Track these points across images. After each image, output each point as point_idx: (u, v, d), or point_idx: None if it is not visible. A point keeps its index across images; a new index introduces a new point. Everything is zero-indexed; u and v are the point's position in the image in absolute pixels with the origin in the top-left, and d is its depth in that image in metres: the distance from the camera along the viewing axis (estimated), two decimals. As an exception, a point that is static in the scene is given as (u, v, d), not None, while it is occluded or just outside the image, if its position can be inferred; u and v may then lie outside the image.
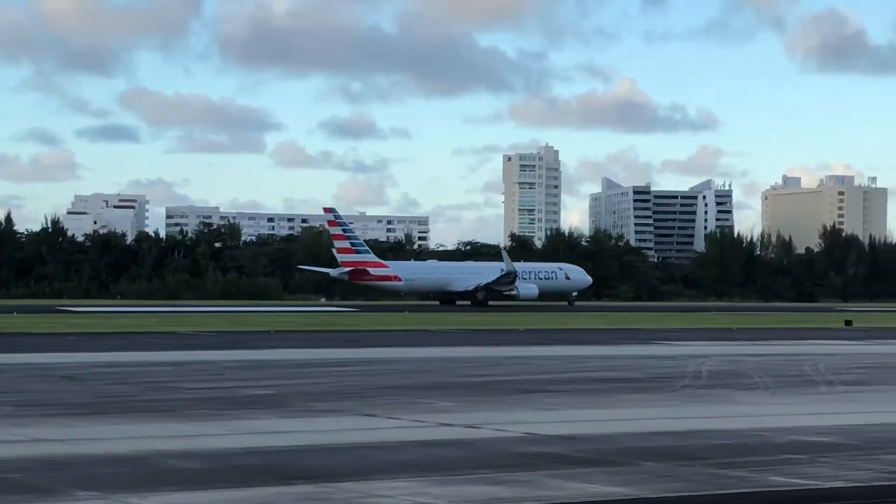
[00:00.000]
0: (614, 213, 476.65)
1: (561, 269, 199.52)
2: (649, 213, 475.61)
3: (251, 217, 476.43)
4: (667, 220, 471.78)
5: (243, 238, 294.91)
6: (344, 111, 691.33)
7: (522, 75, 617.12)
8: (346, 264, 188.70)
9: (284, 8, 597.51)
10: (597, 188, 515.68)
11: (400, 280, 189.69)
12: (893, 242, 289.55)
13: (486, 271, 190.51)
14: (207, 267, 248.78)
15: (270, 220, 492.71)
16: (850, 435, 45.46)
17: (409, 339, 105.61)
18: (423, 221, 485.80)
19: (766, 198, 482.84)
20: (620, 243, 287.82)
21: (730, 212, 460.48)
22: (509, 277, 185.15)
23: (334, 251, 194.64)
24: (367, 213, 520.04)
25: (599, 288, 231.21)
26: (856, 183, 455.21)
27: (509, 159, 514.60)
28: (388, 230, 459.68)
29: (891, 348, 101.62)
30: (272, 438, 41.52)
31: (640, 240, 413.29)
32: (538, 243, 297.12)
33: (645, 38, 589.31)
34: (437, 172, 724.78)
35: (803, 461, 38.66)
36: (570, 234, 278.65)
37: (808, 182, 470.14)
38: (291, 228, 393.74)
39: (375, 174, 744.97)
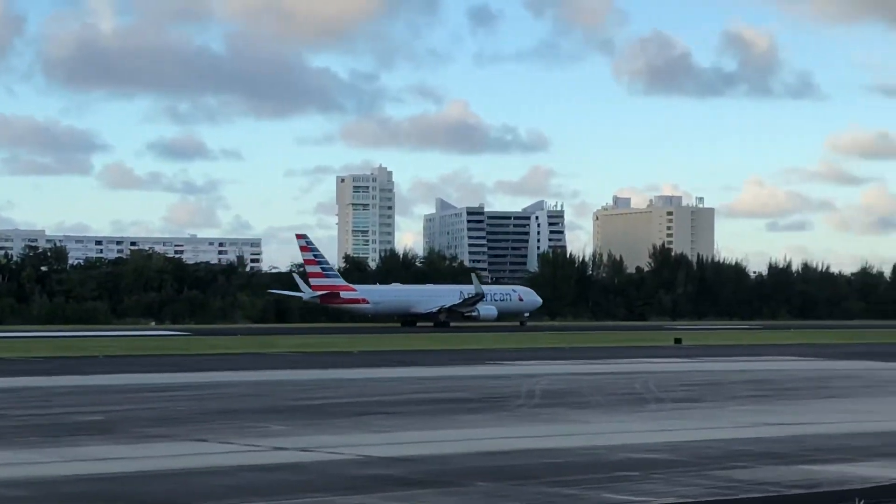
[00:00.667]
0: (448, 233, 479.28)
1: (514, 290, 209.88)
2: (483, 233, 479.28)
3: (78, 240, 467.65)
4: (500, 240, 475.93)
5: (70, 261, 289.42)
6: (172, 132, 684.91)
7: (354, 96, 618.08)
8: (317, 288, 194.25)
9: (110, 27, 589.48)
10: (431, 209, 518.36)
11: (368, 303, 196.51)
12: (720, 261, 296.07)
13: (447, 294, 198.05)
14: (33, 291, 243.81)
15: (98, 242, 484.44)
16: (680, 451, 46.08)
17: (242, 362, 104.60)
18: (255, 243, 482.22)
19: (597, 218, 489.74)
20: (454, 264, 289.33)
21: (562, 232, 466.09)
22: (476, 299, 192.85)
23: (298, 276, 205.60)
24: (198, 236, 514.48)
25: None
26: (684, 203, 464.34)
27: (342, 180, 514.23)
28: (220, 252, 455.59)
29: (719, 366, 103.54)
30: (101, 465, 40.63)
31: (474, 260, 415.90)
32: (372, 265, 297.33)
33: (475, 60, 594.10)
34: (269, 194, 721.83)
35: (636, 478, 39.05)
36: (405, 254, 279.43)
37: (638, 202, 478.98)
38: (120, 251, 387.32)
39: (206, 196, 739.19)
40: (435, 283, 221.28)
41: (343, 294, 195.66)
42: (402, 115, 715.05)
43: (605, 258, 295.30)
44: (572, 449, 46.34)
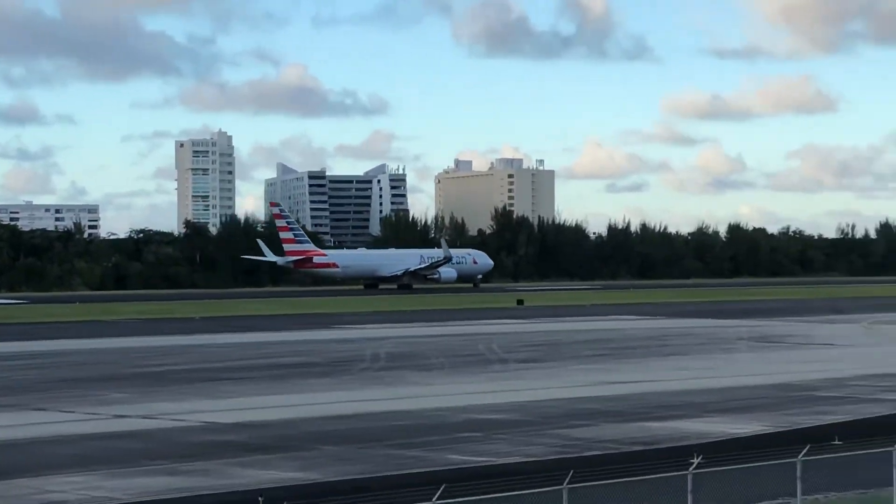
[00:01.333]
0: (290, 198, 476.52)
1: (469, 254, 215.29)
2: (325, 197, 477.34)
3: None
4: (343, 204, 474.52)
5: None
6: (6, 97, 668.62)
7: (191, 60, 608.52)
8: (291, 253, 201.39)
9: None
10: (272, 174, 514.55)
11: (338, 267, 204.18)
12: (561, 223, 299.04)
13: (410, 258, 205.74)
14: None
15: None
16: (523, 411, 46.65)
17: (80, 330, 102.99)
18: (92, 210, 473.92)
19: (439, 181, 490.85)
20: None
21: (404, 195, 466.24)
22: (443, 262, 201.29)
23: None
24: (34, 202, 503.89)
25: (276, 273, 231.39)
26: (524, 166, 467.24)
27: (181, 145, 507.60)
28: (57, 219, 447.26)
29: (560, 325, 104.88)
30: (-63, 438, 39.81)
31: (316, 224, 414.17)
32: (213, 230, 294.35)
33: (314, 23, 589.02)
34: (106, 159, 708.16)
35: (479, 438, 39.48)
36: (246, 220, 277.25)
37: (480, 165, 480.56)
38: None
39: (41, 162, 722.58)
40: (397, 247, 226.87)
41: (316, 259, 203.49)
42: (240, 78, 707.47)
43: (447, 221, 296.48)
44: (416, 411, 46.61)
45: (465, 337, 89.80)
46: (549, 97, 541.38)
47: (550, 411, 46.46)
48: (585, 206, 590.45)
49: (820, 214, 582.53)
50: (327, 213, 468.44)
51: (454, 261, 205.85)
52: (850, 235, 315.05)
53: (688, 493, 22.91)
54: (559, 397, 51.12)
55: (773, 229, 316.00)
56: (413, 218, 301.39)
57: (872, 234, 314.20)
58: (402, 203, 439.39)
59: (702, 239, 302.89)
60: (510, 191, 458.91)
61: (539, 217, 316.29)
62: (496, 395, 52.45)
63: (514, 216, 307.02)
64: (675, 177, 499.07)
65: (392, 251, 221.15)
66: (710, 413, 45.69)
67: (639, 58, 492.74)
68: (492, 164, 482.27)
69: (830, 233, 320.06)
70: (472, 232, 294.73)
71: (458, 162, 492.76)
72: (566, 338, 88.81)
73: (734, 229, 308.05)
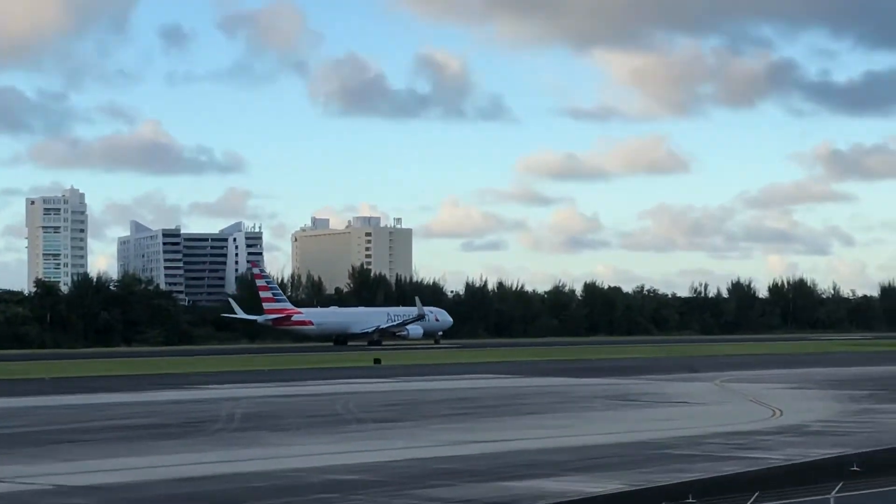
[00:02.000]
0: (144, 256, 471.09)
1: (431, 312, 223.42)
2: (180, 256, 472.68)
3: None
4: (198, 262, 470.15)
5: None
6: None
7: (42, 116, 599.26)
8: (270, 312, 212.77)
9: None
10: (125, 232, 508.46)
11: (313, 325, 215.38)
12: (419, 281, 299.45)
13: (377, 316, 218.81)
14: None
15: None
16: (381, 472, 46.25)
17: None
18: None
19: (296, 239, 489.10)
20: (150, 287, 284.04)
21: (260, 254, 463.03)
22: (416, 319, 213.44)
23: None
24: None
25: (129, 333, 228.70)
26: (382, 224, 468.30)
27: (32, 203, 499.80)
28: None
29: (419, 385, 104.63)
30: None
31: (170, 283, 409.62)
32: (64, 288, 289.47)
33: (168, 80, 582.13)
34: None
35: (336, 500, 39.00)
36: (99, 278, 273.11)
37: (337, 223, 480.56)
38: None
39: None
40: (365, 306, 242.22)
41: (294, 317, 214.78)
42: (92, 135, 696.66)
43: (304, 279, 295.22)
44: (272, 472, 45.95)
45: (323, 396, 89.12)
46: (406, 156, 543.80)
47: (408, 471, 46.14)
48: (443, 264, 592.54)
49: (673, 273, 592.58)
50: (182, 272, 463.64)
51: (432, 317, 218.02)
52: (702, 294, 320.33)
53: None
54: (417, 457, 50.82)
55: (627, 288, 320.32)
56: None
57: (724, 294, 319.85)
58: (258, 261, 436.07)
59: (558, 297, 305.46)
60: (368, 249, 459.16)
61: (397, 275, 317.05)
62: (354, 455, 51.99)
63: (372, 274, 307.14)
64: (532, 235, 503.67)
65: (361, 309, 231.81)
66: (567, 472, 45.73)
67: (495, 118, 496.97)
68: (349, 222, 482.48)
69: (684, 291, 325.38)
70: (330, 290, 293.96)
71: (315, 220, 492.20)
72: (424, 397, 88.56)
73: (590, 288, 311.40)
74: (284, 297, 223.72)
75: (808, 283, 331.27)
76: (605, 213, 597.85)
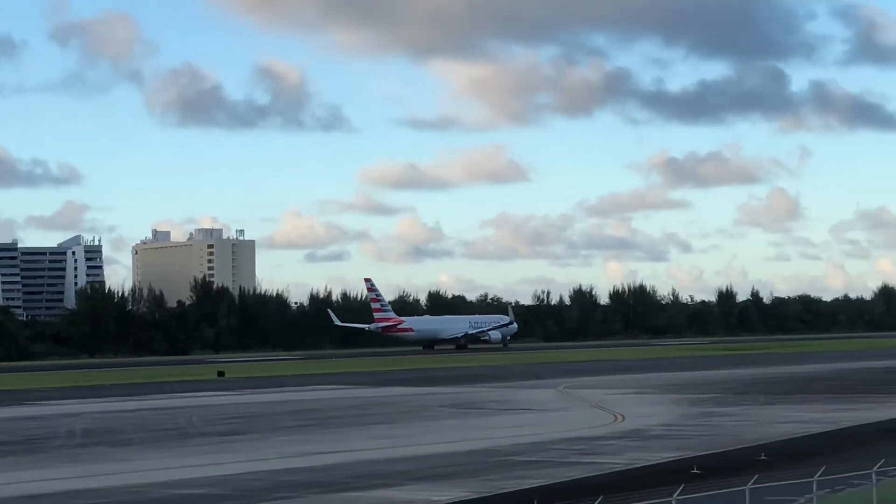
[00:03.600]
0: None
1: (501, 319, 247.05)
2: (17, 270, 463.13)
3: None
4: (35, 277, 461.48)
5: None
6: None
7: None
8: (379, 320, 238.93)
9: None
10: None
11: (413, 331, 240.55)
12: (262, 293, 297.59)
13: (461, 323, 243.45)
14: None
15: None
16: (225, 485, 45.85)
17: None
18: None
19: (136, 252, 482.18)
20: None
21: (100, 267, 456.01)
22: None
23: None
24: None
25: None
26: (224, 236, 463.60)
27: None
28: None
29: (263, 397, 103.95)
30: None
31: (7, 298, 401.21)
32: None
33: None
34: None
35: (180, 515, 38.56)
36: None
37: (178, 236, 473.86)
38: None
39: None
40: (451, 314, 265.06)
41: (399, 325, 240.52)
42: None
43: (145, 293, 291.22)
44: (113, 489, 45.29)
45: (165, 410, 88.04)
46: (247, 167, 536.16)
47: (254, 484, 45.82)
48: (286, 275, 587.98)
49: (516, 282, 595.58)
50: (20, 286, 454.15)
51: (495, 323, 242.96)
52: (545, 302, 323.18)
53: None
54: (262, 469, 50.48)
55: (471, 297, 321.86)
56: (110, 290, 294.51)
57: (567, 301, 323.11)
58: (98, 275, 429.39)
59: (402, 307, 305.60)
60: (210, 261, 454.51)
61: (240, 287, 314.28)
62: (198, 469, 51.45)
63: (215, 287, 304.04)
64: (375, 246, 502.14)
65: (448, 317, 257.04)
66: (413, 481, 45.83)
67: (335, 128, 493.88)
68: (191, 234, 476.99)
69: (526, 299, 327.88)
70: (172, 303, 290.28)
71: (155, 232, 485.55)
72: (268, 409, 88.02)
73: (434, 297, 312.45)
74: (391, 308, 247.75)
75: (648, 290, 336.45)
76: (447, 222, 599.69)
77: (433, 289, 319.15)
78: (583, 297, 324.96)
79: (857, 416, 71.59)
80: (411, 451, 56.88)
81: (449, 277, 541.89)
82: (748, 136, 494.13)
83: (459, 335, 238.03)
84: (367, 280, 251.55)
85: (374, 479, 46.24)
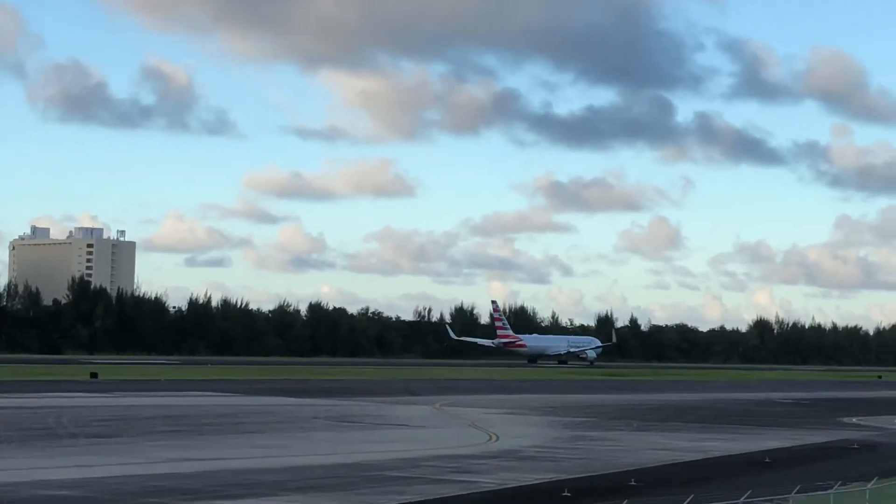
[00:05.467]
0: None
1: (591, 341, 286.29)
2: None
3: None
4: None
5: None
6: None
7: None
8: (501, 337, 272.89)
9: None
10: None
11: (526, 347, 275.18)
12: (141, 295, 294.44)
13: (562, 342, 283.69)
14: None
15: None
16: (93, 488, 45.21)
17: None
18: None
19: (13, 248, 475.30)
20: None
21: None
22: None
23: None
24: None
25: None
26: (105, 236, 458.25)
27: None
28: None
29: (137, 400, 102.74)
30: None
31: None
32: None
33: None
34: None
35: (45, 516, 37.92)
36: None
37: (58, 233, 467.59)
38: None
39: None
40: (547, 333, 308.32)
41: (517, 342, 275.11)
42: None
43: (20, 289, 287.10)
44: (-21, 487, 44.41)
45: (35, 410, 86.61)
46: (129, 167, 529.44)
47: (122, 488, 45.22)
48: (166, 279, 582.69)
49: (398, 297, 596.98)
50: None
51: (583, 344, 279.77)
52: (426, 318, 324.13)
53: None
54: (132, 474, 49.84)
55: (352, 309, 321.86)
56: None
57: (448, 318, 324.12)
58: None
59: (282, 317, 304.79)
60: (89, 261, 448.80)
61: (118, 288, 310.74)
62: (66, 470, 50.66)
63: (92, 287, 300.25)
64: (257, 253, 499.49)
65: (553, 337, 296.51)
66: (284, 492, 45.54)
67: (220, 132, 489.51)
68: (70, 232, 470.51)
69: (408, 315, 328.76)
70: (48, 301, 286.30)
71: (34, 229, 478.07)
72: (141, 413, 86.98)
73: (315, 308, 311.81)
74: (509, 326, 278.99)
75: (529, 311, 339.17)
76: (331, 233, 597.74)
77: (314, 300, 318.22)
78: (464, 316, 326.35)
79: (728, 447, 72.52)
80: (283, 461, 56.55)
81: (331, 289, 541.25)
82: (633, 164, 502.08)
83: (562, 352, 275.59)
84: (493, 302, 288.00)
85: (245, 489, 45.88)
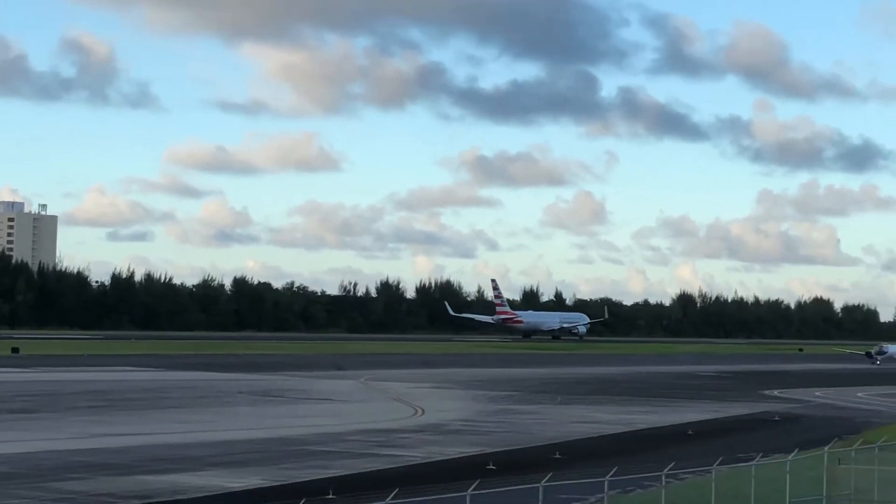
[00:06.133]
0: None
1: (581, 317, 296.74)
2: None
3: None
4: None
5: None
6: None
7: None
8: (500, 314, 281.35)
9: None
10: None
11: (523, 322, 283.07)
12: (63, 270, 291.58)
13: (554, 318, 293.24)
14: None
15: None
16: (16, 463, 44.86)
17: None
18: None
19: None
20: None
21: None
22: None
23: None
24: None
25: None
26: (25, 209, 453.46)
27: None
28: None
29: (59, 375, 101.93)
30: None
31: None
32: None
33: None
34: None
35: (-35, 493, 37.62)
36: None
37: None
38: None
39: None
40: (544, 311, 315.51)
41: (515, 318, 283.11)
42: None
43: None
44: None
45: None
46: (51, 140, 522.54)
47: (44, 464, 44.90)
48: (88, 253, 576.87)
49: (323, 271, 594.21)
50: None
51: (573, 321, 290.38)
52: (351, 293, 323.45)
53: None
54: (55, 449, 49.50)
55: (277, 284, 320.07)
56: None
57: (373, 293, 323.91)
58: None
59: (207, 291, 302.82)
60: (10, 235, 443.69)
61: (40, 263, 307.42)
62: (-15, 446, 50.16)
63: (13, 261, 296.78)
64: (181, 228, 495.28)
65: (546, 313, 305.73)
66: (208, 467, 45.41)
67: (142, 106, 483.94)
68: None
69: (333, 289, 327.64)
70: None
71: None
72: (64, 388, 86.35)
73: (239, 283, 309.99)
74: (507, 304, 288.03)
75: (455, 286, 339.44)
76: (255, 207, 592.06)
77: (239, 274, 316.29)
78: (389, 290, 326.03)
79: (651, 420, 73.21)
80: (208, 436, 56.39)
81: (255, 263, 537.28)
82: (557, 139, 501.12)
83: (555, 328, 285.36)
84: (493, 280, 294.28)
85: (169, 464, 45.71)
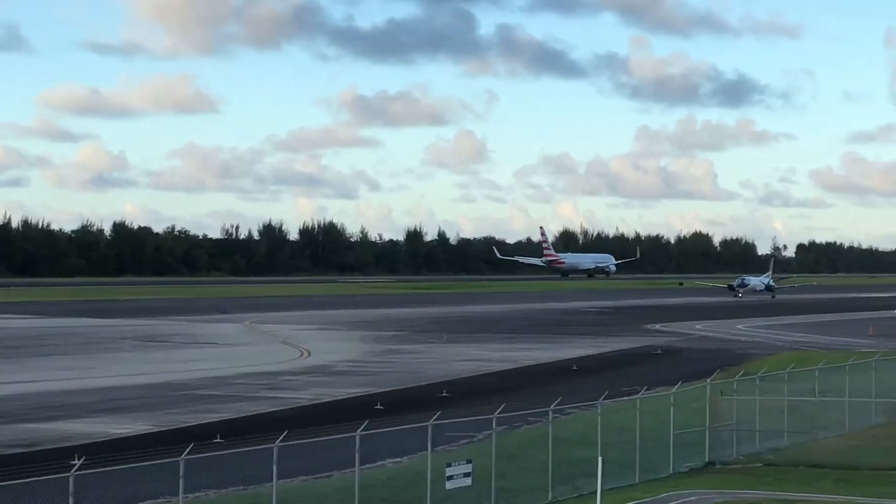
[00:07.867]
0: None
1: (609, 258, 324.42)
2: None
3: None
4: None
5: None
6: None
7: None
8: (547, 256, 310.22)
9: None
10: None
11: (565, 264, 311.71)
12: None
13: (588, 260, 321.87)
14: None
15: None
16: None
17: None
18: None
19: None
20: None
21: None
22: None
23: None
24: None
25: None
26: None
27: None
28: None
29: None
30: None
31: None
32: None
33: None
34: None
35: None
36: None
37: None
38: None
39: None
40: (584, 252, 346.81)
41: (558, 260, 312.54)
42: None
43: None
44: None
45: None
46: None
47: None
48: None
49: (204, 214, 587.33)
50: None
51: (603, 261, 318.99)
52: (234, 236, 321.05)
53: (69, 495, 22.13)
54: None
55: (158, 228, 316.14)
56: None
57: (256, 235, 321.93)
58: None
59: (86, 237, 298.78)
60: None
61: None
62: None
63: None
64: (56, 173, 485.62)
65: (580, 254, 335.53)
66: (92, 413, 44.93)
67: (12, 49, 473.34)
68: None
69: (215, 233, 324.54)
70: None
71: None
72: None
73: (119, 227, 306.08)
74: (552, 247, 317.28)
75: (338, 227, 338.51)
76: (132, 151, 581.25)
77: (118, 219, 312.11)
78: (272, 233, 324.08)
79: (537, 356, 73.78)
80: (91, 383, 55.77)
81: (134, 208, 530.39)
82: (437, 78, 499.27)
83: (590, 267, 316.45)
84: (541, 227, 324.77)
85: (53, 411, 45.16)
